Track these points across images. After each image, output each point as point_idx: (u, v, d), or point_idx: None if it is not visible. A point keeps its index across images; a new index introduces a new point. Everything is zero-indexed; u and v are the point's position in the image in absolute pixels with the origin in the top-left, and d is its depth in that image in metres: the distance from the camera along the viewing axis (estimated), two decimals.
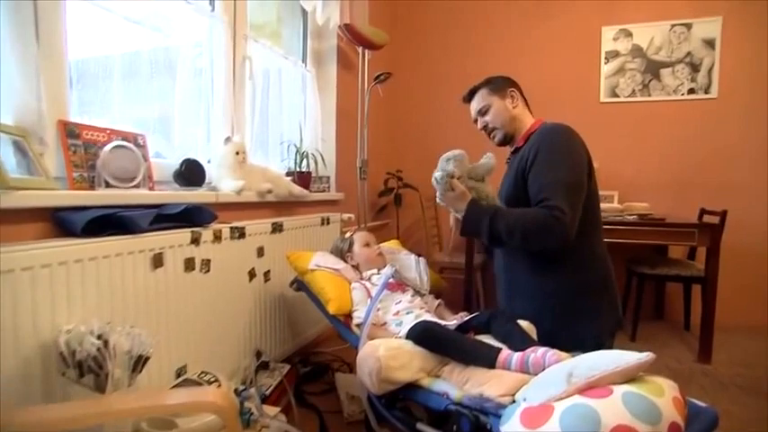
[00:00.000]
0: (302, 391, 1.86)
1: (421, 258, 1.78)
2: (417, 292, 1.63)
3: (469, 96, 1.60)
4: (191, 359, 1.40)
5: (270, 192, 1.88)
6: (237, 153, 1.74)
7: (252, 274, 1.72)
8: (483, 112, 1.55)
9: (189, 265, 1.39)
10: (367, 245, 1.74)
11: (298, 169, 2.24)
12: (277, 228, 1.87)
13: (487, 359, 1.10)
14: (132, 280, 1.20)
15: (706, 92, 2.84)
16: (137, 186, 1.35)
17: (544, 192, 1.29)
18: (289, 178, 2.09)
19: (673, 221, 2.28)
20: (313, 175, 2.37)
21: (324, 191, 2.54)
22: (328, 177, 2.62)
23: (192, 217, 1.41)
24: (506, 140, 1.56)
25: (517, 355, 1.07)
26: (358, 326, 1.49)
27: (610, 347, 1.43)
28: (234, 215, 1.75)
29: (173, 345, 1.33)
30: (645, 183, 3.00)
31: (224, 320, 1.56)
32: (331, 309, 1.52)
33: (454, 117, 3.28)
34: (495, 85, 1.55)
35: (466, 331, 1.32)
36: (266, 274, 1.80)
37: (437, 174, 1.40)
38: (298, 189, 2.08)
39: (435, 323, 1.24)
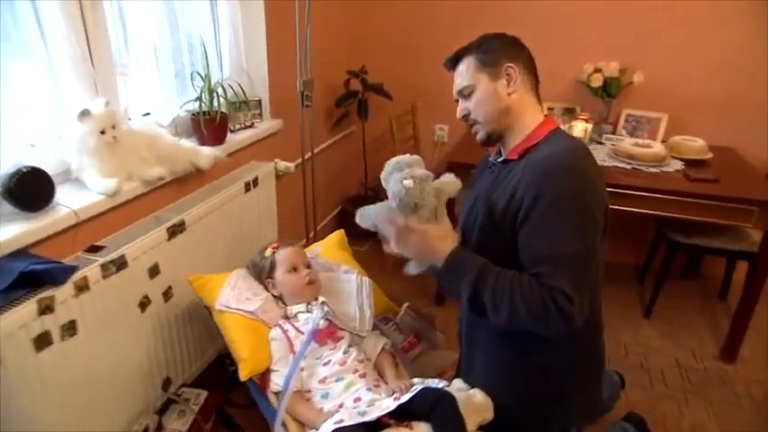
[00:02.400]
0: (228, 402, 1.98)
1: (365, 280, 1.70)
2: (356, 335, 1.60)
3: (453, 63, 1.39)
4: None
5: (162, 178, 1.70)
6: (103, 132, 1.50)
7: (144, 304, 1.63)
8: (466, 93, 1.35)
9: (42, 342, 1.29)
10: (294, 269, 1.62)
11: (205, 114, 1.95)
12: (177, 230, 1.71)
13: None
14: None
15: None
16: None
17: (542, 264, 1.17)
18: (191, 144, 1.85)
19: (723, 194, 2.07)
20: (234, 101, 2.10)
21: (253, 124, 2.29)
22: (259, 101, 2.33)
23: (37, 277, 1.28)
24: (491, 141, 1.37)
25: None
26: (276, 394, 1.48)
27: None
28: (111, 223, 1.58)
29: None
30: (705, 101, 2.70)
31: (112, 374, 1.54)
32: (243, 373, 1.48)
33: None
34: (486, 56, 1.32)
35: (403, 418, 1.32)
36: (166, 293, 1.71)
37: (407, 181, 1.20)
38: (204, 156, 1.84)
39: None
